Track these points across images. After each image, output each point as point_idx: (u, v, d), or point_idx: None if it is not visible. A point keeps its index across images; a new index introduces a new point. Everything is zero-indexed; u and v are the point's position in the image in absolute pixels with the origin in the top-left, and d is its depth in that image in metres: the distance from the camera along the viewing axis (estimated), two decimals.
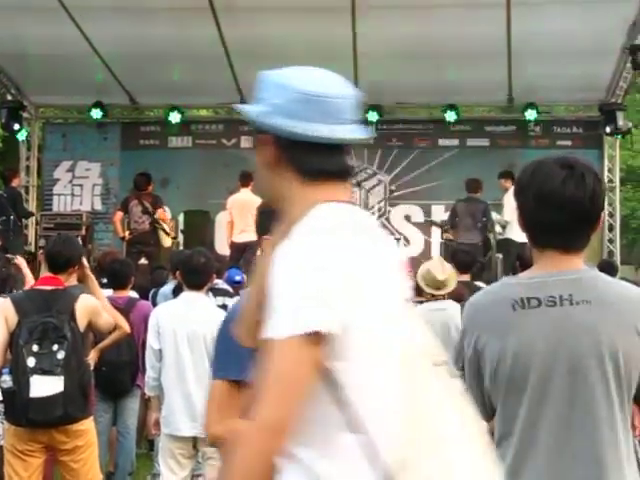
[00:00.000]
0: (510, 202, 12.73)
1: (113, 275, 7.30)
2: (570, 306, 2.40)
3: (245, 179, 13.31)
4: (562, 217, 2.42)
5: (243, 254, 12.72)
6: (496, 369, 2.45)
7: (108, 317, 5.42)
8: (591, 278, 2.48)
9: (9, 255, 8.33)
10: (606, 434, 2.38)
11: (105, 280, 7.75)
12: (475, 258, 9.36)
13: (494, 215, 13.24)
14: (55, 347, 4.93)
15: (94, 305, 5.33)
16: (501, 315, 2.46)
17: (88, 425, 5.24)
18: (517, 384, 2.43)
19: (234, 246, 13.12)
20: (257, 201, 12.88)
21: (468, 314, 2.60)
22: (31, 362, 4.89)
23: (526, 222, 2.52)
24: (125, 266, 7.51)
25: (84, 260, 5.64)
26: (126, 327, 5.88)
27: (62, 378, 4.90)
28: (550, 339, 2.40)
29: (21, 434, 5.12)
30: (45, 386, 4.89)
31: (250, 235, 12.88)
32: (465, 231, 12.92)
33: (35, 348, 4.92)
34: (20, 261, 7.57)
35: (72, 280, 5.49)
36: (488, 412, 2.57)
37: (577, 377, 2.38)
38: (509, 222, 12.64)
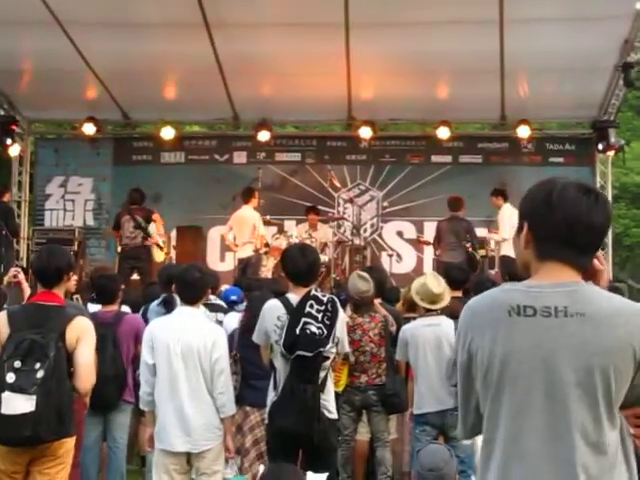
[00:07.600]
0: (505, 219, 12.73)
1: (101, 291, 7.23)
2: (564, 318, 2.40)
3: (246, 195, 13.30)
4: (584, 240, 2.48)
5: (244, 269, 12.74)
6: (486, 373, 2.46)
7: (91, 350, 5.06)
8: (588, 291, 2.48)
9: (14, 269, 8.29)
10: (591, 446, 2.36)
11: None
12: (468, 275, 9.33)
13: (491, 234, 13.23)
14: (37, 365, 4.78)
15: (86, 329, 5.06)
16: (496, 319, 2.46)
17: (64, 446, 5.01)
18: (504, 390, 2.43)
19: (238, 262, 13.26)
20: (253, 217, 13.04)
21: (465, 317, 2.59)
22: (10, 378, 4.74)
23: (536, 236, 2.52)
24: (112, 281, 7.40)
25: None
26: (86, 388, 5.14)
27: (34, 398, 4.72)
28: (541, 349, 2.40)
29: (3, 453, 4.95)
30: (16, 404, 4.72)
31: (247, 250, 12.96)
32: (448, 250, 12.89)
33: (17, 364, 4.77)
34: (20, 277, 7.55)
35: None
36: (479, 416, 2.55)
37: (564, 389, 2.38)
38: (507, 239, 12.55)
